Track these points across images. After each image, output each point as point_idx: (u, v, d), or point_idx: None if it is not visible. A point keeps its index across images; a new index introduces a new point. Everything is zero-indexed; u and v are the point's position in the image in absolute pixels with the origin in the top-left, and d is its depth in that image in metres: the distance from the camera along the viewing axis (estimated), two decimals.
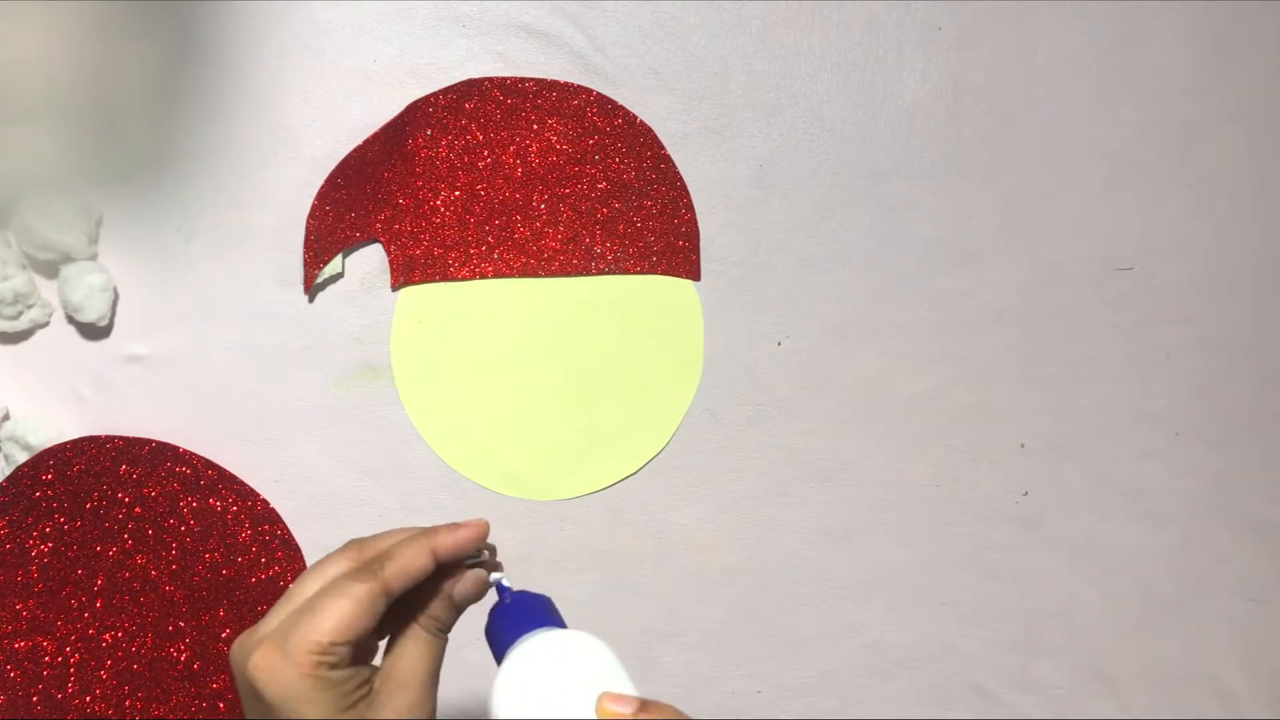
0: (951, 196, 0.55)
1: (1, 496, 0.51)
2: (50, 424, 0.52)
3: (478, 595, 0.37)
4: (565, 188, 0.53)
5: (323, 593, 0.34)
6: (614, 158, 0.53)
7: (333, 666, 0.33)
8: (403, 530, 0.37)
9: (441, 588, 0.36)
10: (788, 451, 0.55)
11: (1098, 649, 0.56)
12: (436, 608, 0.36)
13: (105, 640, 0.51)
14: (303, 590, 0.35)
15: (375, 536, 0.37)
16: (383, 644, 0.36)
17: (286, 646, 0.33)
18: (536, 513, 0.54)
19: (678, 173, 0.54)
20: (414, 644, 0.36)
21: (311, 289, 0.53)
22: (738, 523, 0.55)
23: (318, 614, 0.33)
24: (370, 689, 0.34)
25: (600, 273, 0.54)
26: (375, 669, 0.35)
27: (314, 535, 0.53)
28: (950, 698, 0.56)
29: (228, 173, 0.53)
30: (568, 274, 0.54)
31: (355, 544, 0.36)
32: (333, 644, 0.33)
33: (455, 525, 0.37)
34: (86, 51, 0.52)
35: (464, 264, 0.53)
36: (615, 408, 0.54)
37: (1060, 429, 0.56)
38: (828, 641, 0.55)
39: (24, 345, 0.53)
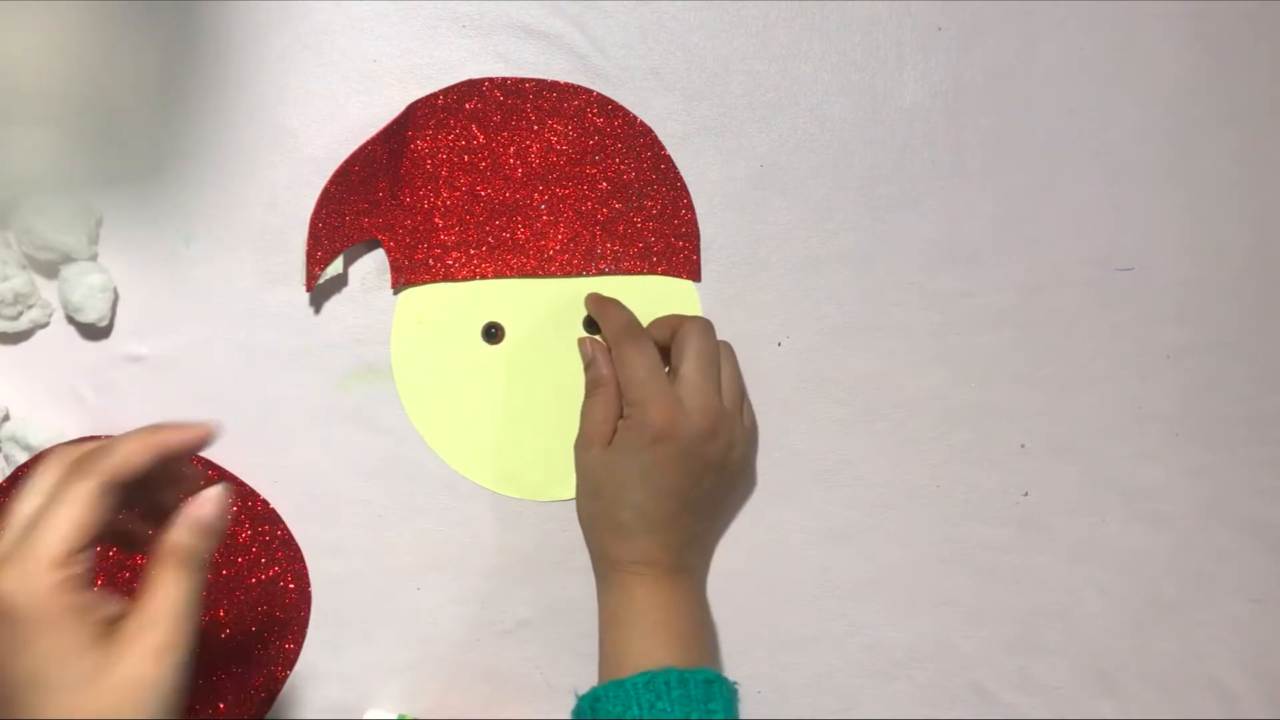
0: (951, 196, 0.55)
1: (2, 497, 0.51)
2: (50, 424, 0.52)
3: (221, 518, 0.36)
4: (565, 188, 0.53)
5: (45, 505, 0.33)
6: (614, 158, 0.53)
7: (78, 581, 0.32)
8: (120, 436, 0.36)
9: (185, 512, 0.35)
10: (788, 451, 0.55)
11: (1098, 649, 0.56)
12: (183, 534, 0.35)
13: None
14: (22, 509, 0.34)
15: (84, 439, 0.36)
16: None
17: (27, 565, 0.32)
18: (536, 513, 0.54)
19: (678, 173, 0.54)
20: (163, 575, 0.34)
21: (312, 289, 0.53)
22: (738, 523, 0.55)
23: (47, 526, 0.32)
24: (119, 624, 0.33)
25: (600, 273, 0.54)
26: (127, 603, 0.34)
27: (314, 535, 0.53)
28: (950, 698, 0.56)
29: (228, 173, 0.53)
30: (568, 274, 0.54)
31: (61, 450, 0.36)
32: (70, 553, 0.32)
33: (180, 423, 0.36)
34: (86, 51, 0.52)
35: (464, 264, 0.53)
36: None
37: (1060, 429, 0.56)
38: (828, 641, 0.55)
39: (24, 345, 0.53)
